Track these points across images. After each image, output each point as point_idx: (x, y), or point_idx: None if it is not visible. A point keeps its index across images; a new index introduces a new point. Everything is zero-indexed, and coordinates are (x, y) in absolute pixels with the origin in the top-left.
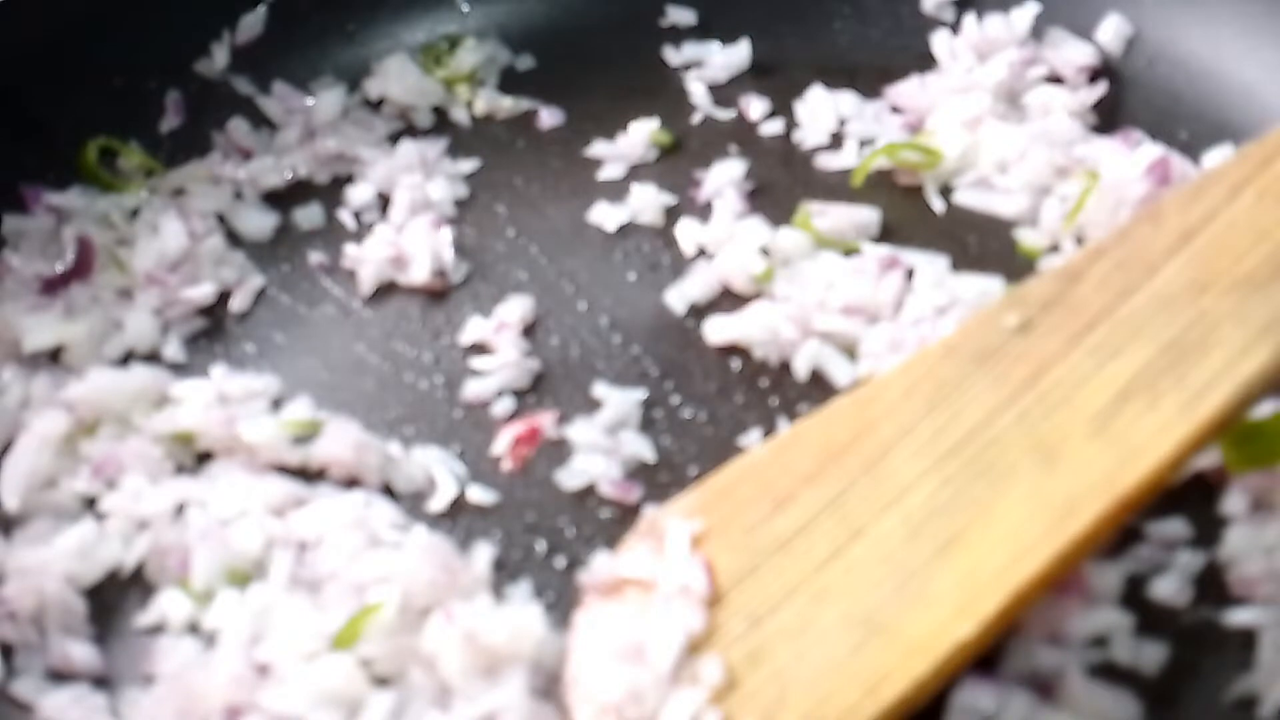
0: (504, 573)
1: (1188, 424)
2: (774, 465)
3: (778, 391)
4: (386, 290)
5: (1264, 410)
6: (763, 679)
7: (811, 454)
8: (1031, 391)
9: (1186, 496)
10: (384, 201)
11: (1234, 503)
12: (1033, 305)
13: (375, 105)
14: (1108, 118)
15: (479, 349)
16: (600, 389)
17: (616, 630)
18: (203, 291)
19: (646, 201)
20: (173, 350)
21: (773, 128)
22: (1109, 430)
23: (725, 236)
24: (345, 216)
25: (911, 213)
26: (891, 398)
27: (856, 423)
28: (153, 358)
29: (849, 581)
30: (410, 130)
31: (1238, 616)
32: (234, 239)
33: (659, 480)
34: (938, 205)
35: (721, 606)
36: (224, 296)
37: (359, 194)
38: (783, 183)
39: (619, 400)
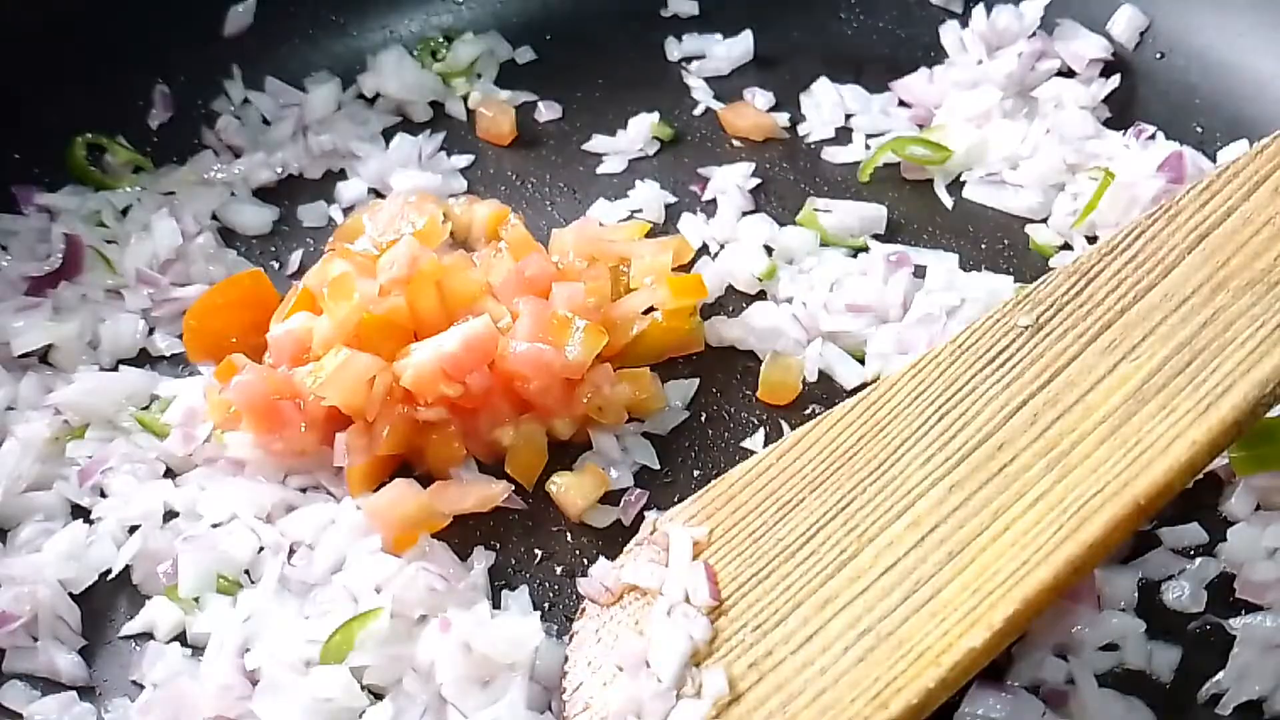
0: (501, 580)
1: (1202, 428)
2: (779, 470)
3: None
4: None
5: (1272, 411)
6: (767, 689)
7: (818, 458)
8: (1043, 393)
9: (1200, 500)
10: (377, 197)
11: (1238, 504)
12: (1044, 304)
13: (370, 100)
14: (1120, 112)
15: None
16: None
17: (617, 640)
18: (195, 290)
19: (648, 198)
20: (162, 350)
21: (777, 122)
22: (1122, 433)
23: (729, 234)
24: (336, 213)
25: (920, 209)
26: (899, 400)
27: (863, 426)
28: (141, 358)
29: (856, 589)
30: (406, 125)
31: (1247, 622)
32: (225, 236)
33: (661, 484)
34: (947, 201)
35: (725, 615)
36: None
37: (351, 189)
38: (787, 178)
39: None
